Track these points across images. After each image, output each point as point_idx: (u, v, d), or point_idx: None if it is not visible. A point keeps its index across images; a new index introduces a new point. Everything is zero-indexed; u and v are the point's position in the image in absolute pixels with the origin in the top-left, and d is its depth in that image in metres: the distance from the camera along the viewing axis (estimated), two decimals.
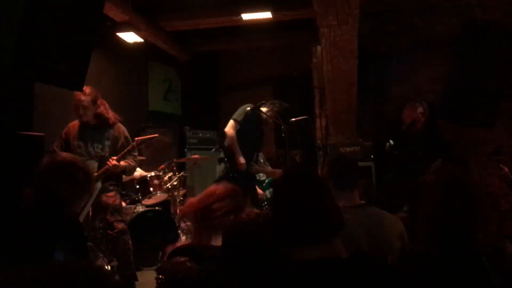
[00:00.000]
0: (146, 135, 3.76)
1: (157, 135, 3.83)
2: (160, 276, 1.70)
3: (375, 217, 1.98)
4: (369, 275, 1.16)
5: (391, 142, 4.38)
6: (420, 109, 4.27)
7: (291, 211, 1.22)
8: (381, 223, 1.95)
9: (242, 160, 4.23)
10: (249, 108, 4.36)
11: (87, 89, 3.40)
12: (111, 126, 3.61)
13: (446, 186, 1.41)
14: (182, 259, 1.64)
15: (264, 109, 4.43)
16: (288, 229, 1.22)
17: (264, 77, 7.46)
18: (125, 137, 3.72)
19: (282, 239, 1.22)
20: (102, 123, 3.56)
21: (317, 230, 1.20)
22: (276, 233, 1.24)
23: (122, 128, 3.70)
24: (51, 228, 1.84)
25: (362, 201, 2.11)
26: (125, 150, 3.55)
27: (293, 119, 4.57)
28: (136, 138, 3.66)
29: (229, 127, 4.29)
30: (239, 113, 4.36)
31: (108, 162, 3.45)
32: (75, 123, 3.55)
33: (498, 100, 3.90)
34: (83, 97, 3.43)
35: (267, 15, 5.46)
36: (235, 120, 4.31)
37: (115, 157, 3.49)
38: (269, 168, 4.91)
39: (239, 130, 4.29)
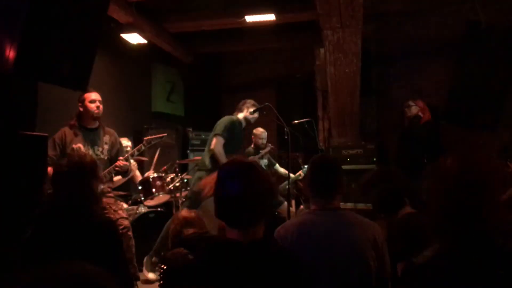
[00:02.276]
0: (153, 135, 3.80)
1: (165, 134, 3.86)
2: (162, 266, 1.77)
3: (345, 221, 1.93)
4: (267, 257, 1.40)
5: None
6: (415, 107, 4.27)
7: (225, 200, 1.45)
8: (351, 228, 1.90)
9: None
10: (229, 120, 4.26)
11: (101, 101, 3.50)
12: (108, 131, 3.68)
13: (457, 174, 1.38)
14: (185, 251, 1.69)
15: (240, 116, 4.37)
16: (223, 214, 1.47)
17: (267, 79, 7.48)
18: (120, 143, 3.81)
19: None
20: (99, 127, 3.60)
21: (238, 217, 1.43)
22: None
23: (115, 134, 3.77)
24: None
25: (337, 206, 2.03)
26: (135, 149, 3.66)
27: (296, 121, 4.57)
28: (145, 138, 3.71)
29: (216, 144, 4.09)
30: (221, 127, 4.20)
31: (118, 163, 3.52)
32: (68, 128, 3.54)
33: (501, 103, 3.90)
34: (99, 108, 3.50)
35: (270, 17, 5.47)
36: (219, 135, 4.13)
37: (122, 157, 3.57)
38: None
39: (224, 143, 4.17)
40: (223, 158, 3.99)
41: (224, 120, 4.27)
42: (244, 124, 4.37)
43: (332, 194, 2.00)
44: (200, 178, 4.07)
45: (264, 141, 5.47)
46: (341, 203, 2.11)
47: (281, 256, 1.44)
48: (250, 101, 4.39)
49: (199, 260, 1.44)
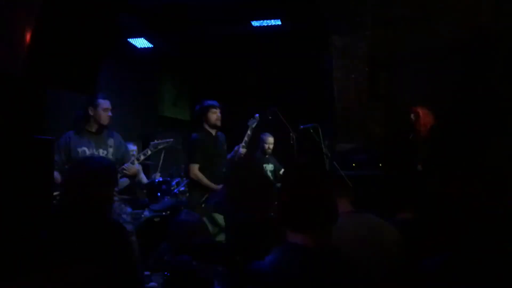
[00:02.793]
0: (158, 140, 3.82)
1: (172, 139, 3.88)
2: (166, 273, 1.76)
3: (368, 224, 1.94)
4: (336, 267, 1.35)
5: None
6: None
7: (289, 202, 1.43)
8: (374, 231, 1.91)
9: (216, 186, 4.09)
10: (193, 143, 4.16)
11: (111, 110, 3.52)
12: (112, 134, 3.68)
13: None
14: (188, 257, 1.68)
15: (206, 126, 4.23)
16: (287, 216, 1.43)
17: (273, 84, 7.47)
18: (125, 146, 3.81)
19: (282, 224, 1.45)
20: (104, 131, 3.61)
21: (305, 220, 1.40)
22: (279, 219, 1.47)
23: (120, 136, 3.78)
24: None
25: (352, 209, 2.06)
26: (141, 154, 3.69)
27: (301, 126, 4.56)
28: (152, 142, 3.74)
29: (192, 172, 4.07)
30: (190, 153, 4.16)
31: (127, 167, 3.56)
32: (72, 131, 3.55)
33: (508, 108, 3.87)
34: (109, 117, 3.53)
35: (276, 22, 5.49)
36: (191, 162, 4.10)
37: (129, 162, 3.61)
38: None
39: (202, 165, 4.10)
40: (204, 180, 4.03)
41: (188, 144, 4.22)
42: (213, 131, 4.24)
43: (342, 197, 2.01)
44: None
45: (270, 146, 5.46)
46: None
47: (349, 265, 1.41)
48: (210, 106, 4.24)
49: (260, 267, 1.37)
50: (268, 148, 5.45)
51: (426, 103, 4.61)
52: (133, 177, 3.74)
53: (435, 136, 4.22)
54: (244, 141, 4.32)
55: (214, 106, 4.22)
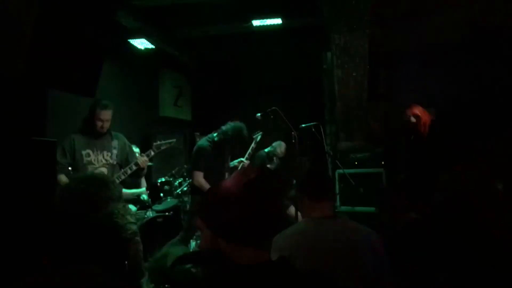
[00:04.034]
0: (159, 141, 3.84)
1: (174, 140, 3.90)
2: (166, 285, 1.73)
3: (345, 228, 1.91)
4: (289, 280, 1.16)
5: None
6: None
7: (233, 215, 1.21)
8: (350, 235, 1.87)
9: None
10: (197, 152, 4.13)
11: (108, 120, 3.54)
12: (116, 135, 3.71)
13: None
14: (187, 266, 1.66)
15: (215, 136, 4.14)
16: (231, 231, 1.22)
17: (274, 83, 7.47)
18: (129, 146, 3.83)
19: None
20: (108, 133, 3.64)
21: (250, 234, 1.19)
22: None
23: (124, 138, 3.81)
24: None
25: (333, 213, 2.01)
26: (145, 154, 3.68)
27: (303, 125, 4.56)
28: (155, 144, 3.76)
29: (195, 179, 4.05)
30: (194, 161, 4.15)
31: (140, 162, 3.59)
32: (77, 134, 3.58)
33: (510, 106, 3.86)
34: (102, 128, 3.53)
35: (277, 21, 5.48)
36: (195, 169, 4.07)
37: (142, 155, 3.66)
38: None
39: (206, 172, 4.07)
40: (207, 187, 4.00)
41: (194, 152, 4.19)
42: (218, 140, 4.14)
43: (326, 200, 1.99)
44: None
45: (281, 155, 5.60)
46: (340, 207, 2.10)
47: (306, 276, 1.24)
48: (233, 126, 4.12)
49: None
50: (278, 157, 5.59)
51: (425, 101, 4.61)
52: (142, 171, 3.76)
53: (435, 133, 4.22)
54: (248, 153, 4.30)
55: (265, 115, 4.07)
